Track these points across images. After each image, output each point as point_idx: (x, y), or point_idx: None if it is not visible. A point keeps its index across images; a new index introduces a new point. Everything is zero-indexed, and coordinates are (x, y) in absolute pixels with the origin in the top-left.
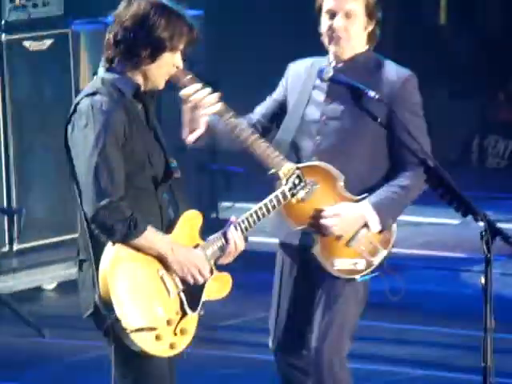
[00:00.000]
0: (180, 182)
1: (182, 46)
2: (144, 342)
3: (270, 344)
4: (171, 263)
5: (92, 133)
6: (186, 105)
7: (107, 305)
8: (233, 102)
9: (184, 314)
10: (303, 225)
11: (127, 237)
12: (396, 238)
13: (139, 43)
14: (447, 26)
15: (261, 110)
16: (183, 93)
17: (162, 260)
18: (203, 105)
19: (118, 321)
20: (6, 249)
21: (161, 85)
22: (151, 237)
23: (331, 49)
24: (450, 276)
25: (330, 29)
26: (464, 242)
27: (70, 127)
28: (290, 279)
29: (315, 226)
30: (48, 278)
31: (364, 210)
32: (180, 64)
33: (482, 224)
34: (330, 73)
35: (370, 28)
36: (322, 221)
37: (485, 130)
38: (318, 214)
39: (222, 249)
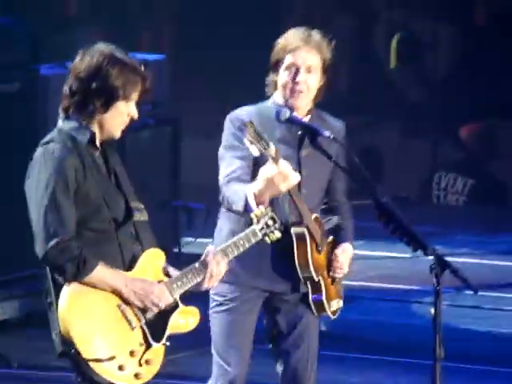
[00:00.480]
0: (144, 222)
1: (135, 96)
2: (106, 373)
3: (231, 371)
4: (127, 296)
5: (43, 178)
6: (271, 176)
7: (67, 341)
8: (195, 139)
9: (148, 345)
10: (320, 272)
11: (78, 275)
12: (349, 270)
13: (93, 93)
14: (398, 68)
15: (245, 174)
16: (282, 167)
17: (119, 294)
18: (286, 179)
19: (78, 354)
20: None
21: (116, 134)
22: (102, 273)
23: (291, 102)
24: (401, 307)
25: (292, 83)
26: (415, 275)
27: (27, 175)
28: (251, 317)
29: (326, 272)
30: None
31: (352, 251)
32: (134, 113)
33: (431, 258)
34: (287, 113)
35: (322, 83)
36: (339, 264)
37: (444, 168)
38: (330, 260)
39: (194, 277)
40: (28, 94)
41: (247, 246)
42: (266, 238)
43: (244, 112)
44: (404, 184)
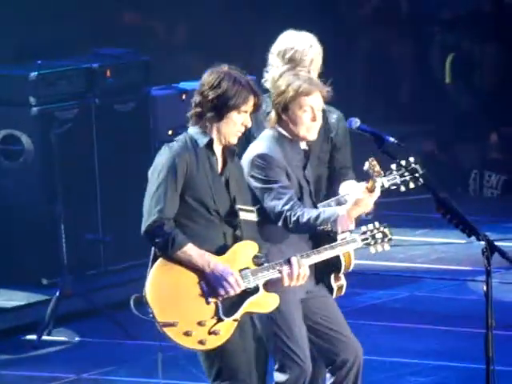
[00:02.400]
0: (250, 222)
1: (246, 107)
2: (173, 334)
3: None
4: (207, 275)
5: (158, 168)
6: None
7: (147, 302)
8: None
9: (219, 319)
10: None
11: (167, 250)
12: (415, 254)
13: (209, 104)
14: (452, 84)
15: (298, 199)
16: (373, 184)
17: (202, 273)
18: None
19: (153, 315)
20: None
21: (232, 140)
22: (190, 252)
23: (308, 137)
24: (458, 285)
25: (314, 121)
26: (469, 258)
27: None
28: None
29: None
30: None
31: None
32: (248, 123)
33: (482, 243)
34: (357, 123)
35: None
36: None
37: (481, 166)
38: None
39: (279, 272)
40: (141, 112)
41: (340, 252)
42: (371, 248)
43: (270, 148)
44: (452, 180)
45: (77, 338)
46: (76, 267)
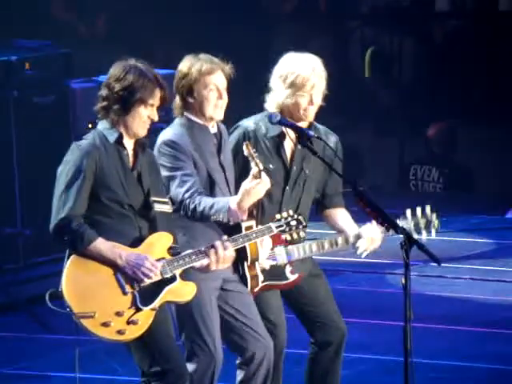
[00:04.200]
0: (166, 213)
1: (153, 101)
2: (91, 326)
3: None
4: (122, 267)
5: (66, 166)
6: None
7: (63, 296)
8: None
9: (138, 308)
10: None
11: (76, 247)
12: None
13: (115, 97)
14: (371, 78)
15: (201, 187)
16: (264, 178)
17: (116, 265)
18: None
19: (70, 308)
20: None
21: (139, 133)
22: (99, 246)
23: (215, 116)
24: (376, 278)
25: (220, 99)
26: (388, 251)
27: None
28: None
29: None
30: None
31: None
32: (154, 117)
33: (401, 236)
34: (278, 117)
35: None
36: None
37: (420, 161)
38: None
39: (206, 256)
40: (61, 105)
41: (258, 239)
42: (287, 235)
43: (177, 135)
44: (381, 176)
45: None
46: None
